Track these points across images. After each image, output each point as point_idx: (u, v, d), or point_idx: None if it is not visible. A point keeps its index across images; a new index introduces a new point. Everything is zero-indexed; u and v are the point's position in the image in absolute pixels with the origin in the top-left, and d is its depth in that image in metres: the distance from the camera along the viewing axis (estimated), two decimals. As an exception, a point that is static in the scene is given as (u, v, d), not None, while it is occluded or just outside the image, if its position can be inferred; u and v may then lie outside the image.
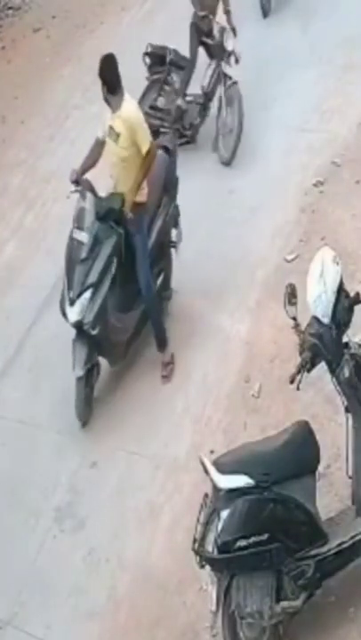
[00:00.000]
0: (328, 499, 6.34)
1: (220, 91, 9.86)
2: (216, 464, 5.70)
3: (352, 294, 5.83)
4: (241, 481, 5.59)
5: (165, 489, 7.17)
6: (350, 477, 5.94)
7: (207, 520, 5.66)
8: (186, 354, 8.04)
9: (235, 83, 9.72)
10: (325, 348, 5.74)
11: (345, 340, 5.80)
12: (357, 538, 5.76)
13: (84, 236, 7.57)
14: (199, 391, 7.74)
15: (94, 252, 7.54)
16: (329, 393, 6.43)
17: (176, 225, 8.39)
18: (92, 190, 7.70)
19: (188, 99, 10.04)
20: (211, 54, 10.02)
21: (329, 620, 5.91)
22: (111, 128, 7.69)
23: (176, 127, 9.97)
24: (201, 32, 9.97)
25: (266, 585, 5.69)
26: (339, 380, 5.79)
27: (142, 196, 7.79)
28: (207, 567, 5.73)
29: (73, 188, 7.75)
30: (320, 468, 6.04)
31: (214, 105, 9.99)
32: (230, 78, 9.75)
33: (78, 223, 7.64)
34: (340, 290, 5.73)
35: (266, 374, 7.60)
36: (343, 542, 5.75)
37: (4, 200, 10.09)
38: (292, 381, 5.85)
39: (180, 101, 9.97)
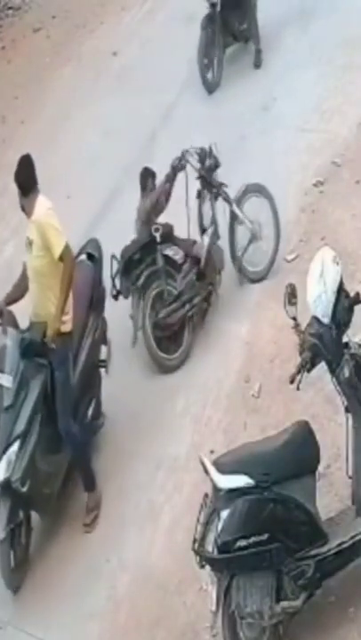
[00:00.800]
0: (328, 499, 6.34)
1: (230, 209, 8.24)
2: (216, 464, 5.70)
3: (352, 294, 5.84)
4: (241, 481, 5.60)
5: (165, 489, 7.17)
6: (350, 477, 5.94)
7: (207, 520, 5.66)
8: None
9: (251, 184, 8.35)
10: (325, 348, 5.75)
11: (345, 340, 5.80)
12: (357, 538, 5.76)
13: (7, 380, 6.73)
14: (199, 391, 7.74)
15: (20, 396, 6.73)
16: (329, 393, 6.43)
17: (105, 341, 7.56)
18: (15, 324, 6.97)
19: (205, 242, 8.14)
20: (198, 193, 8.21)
21: (329, 620, 5.90)
22: (27, 238, 6.93)
23: (209, 290, 8.15)
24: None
25: (266, 585, 5.69)
26: (339, 380, 5.79)
27: (67, 325, 6.86)
28: (207, 567, 5.73)
29: None
30: (320, 468, 6.04)
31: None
32: (226, 186, 8.21)
33: (0, 365, 6.80)
34: (340, 290, 5.73)
35: (266, 374, 7.59)
36: (343, 542, 5.74)
37: (3, 200, 10.05)
38: (292, 381, 5.86)
39: (204, 241, 8.10)
